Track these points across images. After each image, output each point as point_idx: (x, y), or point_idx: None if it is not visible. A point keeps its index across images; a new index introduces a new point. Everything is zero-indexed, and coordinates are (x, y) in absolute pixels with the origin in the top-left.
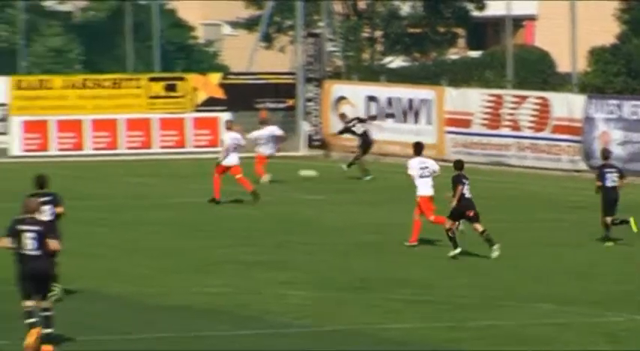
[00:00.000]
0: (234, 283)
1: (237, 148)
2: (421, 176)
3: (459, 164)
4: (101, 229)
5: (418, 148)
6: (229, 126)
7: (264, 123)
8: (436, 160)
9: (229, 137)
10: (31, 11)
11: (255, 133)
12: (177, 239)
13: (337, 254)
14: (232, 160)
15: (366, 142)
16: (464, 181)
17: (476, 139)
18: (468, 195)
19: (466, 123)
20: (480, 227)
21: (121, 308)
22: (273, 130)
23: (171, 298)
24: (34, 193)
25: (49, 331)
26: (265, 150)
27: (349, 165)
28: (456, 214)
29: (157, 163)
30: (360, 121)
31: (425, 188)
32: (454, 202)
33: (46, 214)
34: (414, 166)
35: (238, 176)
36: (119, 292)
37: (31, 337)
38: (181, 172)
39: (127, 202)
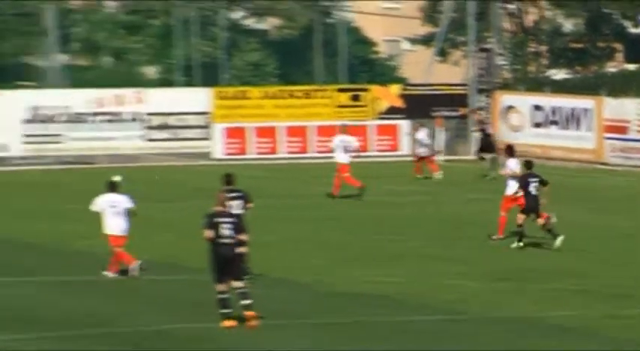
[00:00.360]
0: (410, 274)
1: (346, 149)
2: (514, 177)
3: (529, 164)
4: (293, 224)
5: (512, 150)
6: (342, 130)
7: (421, 127)
8: (595, 163)
9: (338, 139)
10: (232, 29)
11: (418, 136)
12: (360, 233)
13: (501, 248)
14: (342, 159)
15: (488, 143)
16: (529, 180)
17: (632, 144)
18: (534, 192)
19: (623, 130)
20: (520, 219)
21: (308, 295)
22: (424, 133)
23: (354, 286)
24: (225, 190)
25: (248, 302)
26: (423, 152)
27: (492, 164)
28: (528, 209)
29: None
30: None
31: (514, 189)
32: (521, 201)
33: (235, 208)
34: (513, 166)
35: (345, 175)
36: (307, 281)
37: (229, 323)
38: (365, 174)
39: (316, 200)
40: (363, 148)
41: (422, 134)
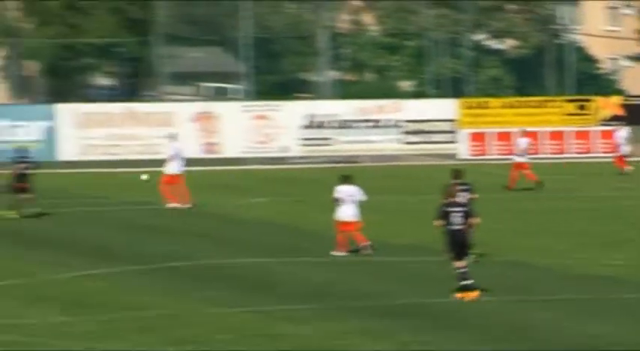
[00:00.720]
0: (634, 258)
1: (528, 150)
2: None
3: None
4: (522, 214)
5: None
6: (522, 134)
7: (621, 127)
8: None
9: (522, 142)
10: (475, 49)
11: (619, 135)
12: (587, 222)
13: None
14: (519, 159)
15: None
16: None
17: None
18: None
19: None
20: None
21: (544, 275)
22: (624, 133)
23: (584, 268)
24: (454, 183)
25: (469, 282)
26: (623, 150)
27: None
28: None
29: (570, 165)
30: None
31: None
32: None
33: (462, 198)
34: None
35: (521, 171)
36: (543, 263)
37: (471, 295)
38: (588, 172)
39: (543, 194)
40: (587, 150)
41: (621, 133)
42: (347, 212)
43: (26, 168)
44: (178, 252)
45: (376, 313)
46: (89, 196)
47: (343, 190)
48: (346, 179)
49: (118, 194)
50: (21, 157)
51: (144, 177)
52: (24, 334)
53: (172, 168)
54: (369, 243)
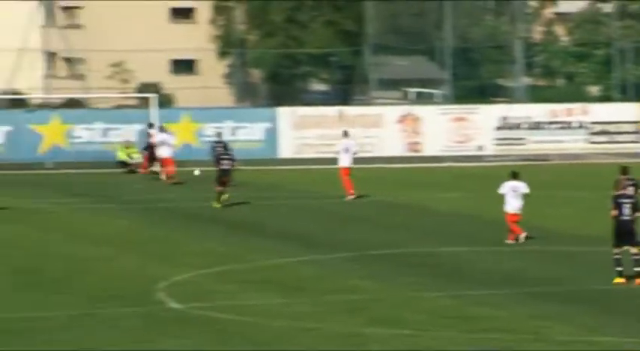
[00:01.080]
0: None
1: None
2: None
3: None
4: None
5: None
6: None
7: None
8: None
9: None
10: None
11: None
12: None
13: None
14: None
15: None
16: None
17: None
18: None
19: None
20: None
21: None
22: None
23: None
24: (622, 178)
25: (638, 269)
26: None
27: None
28: None
29: None
30: None
31: None
32: None
33: (629, 191)
34: None
35: None
36: None
37: (620, 280)
38: None
39: None
40: None
41: None
42: (512, 204)
43: (229, 164)
44: (382, 240)
45: (562, 299)
46: (302, 190)
47: (509, 185)
48: (515, 175)
49: (328, 189)
50: (225, 153)
51: (196, 172)
52: (242, 314)
53: (343, 161)
54: (524, 234)
